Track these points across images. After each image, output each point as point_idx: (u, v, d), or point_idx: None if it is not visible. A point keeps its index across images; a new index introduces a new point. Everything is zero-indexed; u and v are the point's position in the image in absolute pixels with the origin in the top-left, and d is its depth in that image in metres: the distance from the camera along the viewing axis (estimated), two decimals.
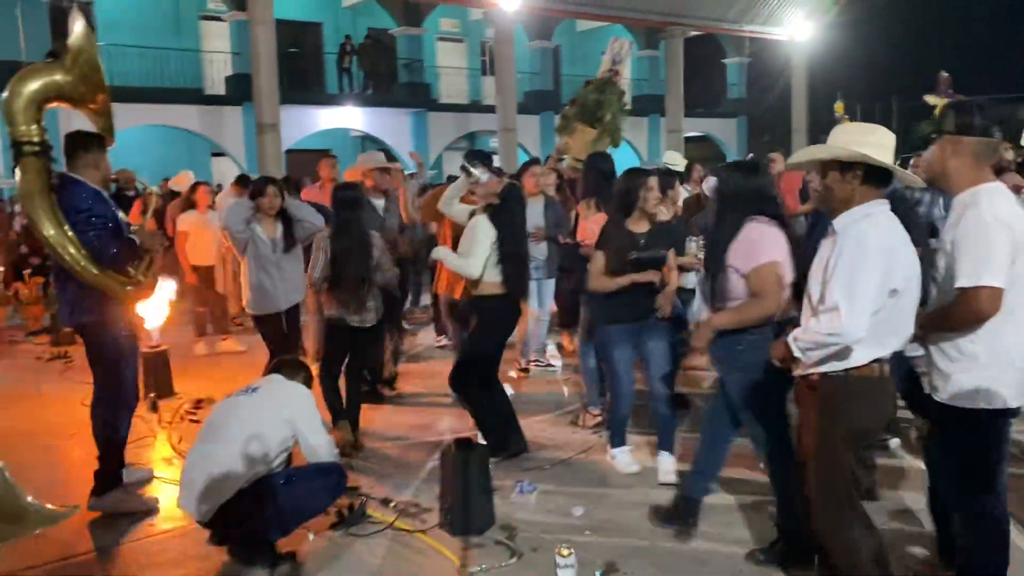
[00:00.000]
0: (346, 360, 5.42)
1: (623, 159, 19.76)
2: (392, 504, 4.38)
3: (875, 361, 2.86)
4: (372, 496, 4.48)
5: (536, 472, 4.85)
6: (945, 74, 14.56)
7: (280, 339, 5.66)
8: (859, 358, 2.85)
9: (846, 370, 2.87)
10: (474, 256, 4.87)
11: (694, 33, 23.30)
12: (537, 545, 3.92)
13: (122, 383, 4.46)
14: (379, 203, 6.62)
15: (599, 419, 5.61)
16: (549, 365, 7.39)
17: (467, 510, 4.06)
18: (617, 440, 4.96)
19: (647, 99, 27.84)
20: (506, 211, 4.93)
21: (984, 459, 3.02)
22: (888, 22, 27.54)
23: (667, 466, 4.71)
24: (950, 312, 2.96)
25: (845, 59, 25.24)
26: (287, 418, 3.73)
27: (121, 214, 4.53)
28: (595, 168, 5.69)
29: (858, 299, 2.73)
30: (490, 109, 21.90)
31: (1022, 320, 2.92)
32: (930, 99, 14.74)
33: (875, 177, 2.90)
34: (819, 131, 24.18)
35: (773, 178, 3.74)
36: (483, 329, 5.12)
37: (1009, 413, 3.01)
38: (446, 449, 4.25)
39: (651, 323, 4.62)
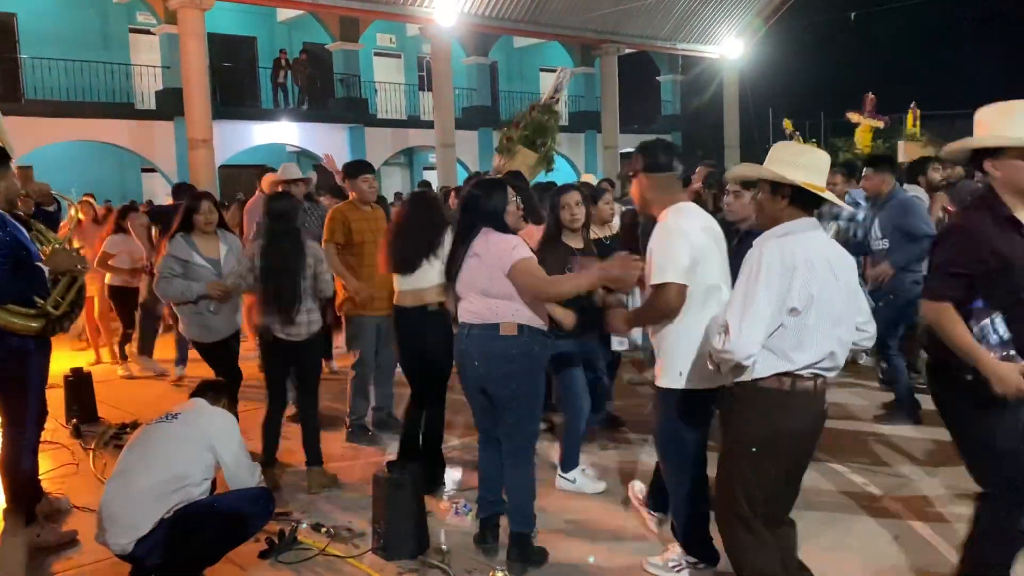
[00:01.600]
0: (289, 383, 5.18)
1: (561, 175, 19.93)
2: (324, 529, 4.29)
3: (784, 375, 2.90)
4: (303, 522, 4.39)
5: (471, 493, 4.79)
6: (871, 95, 15.12)
7: (231, 365, 5.36)
8: (762, 371, 2.91)
9: (753, 380, 2.94)
10: None
11: (628, 51, 23.67)
12: (472, 568, 3.89)
13: (26, 419, 4.20)
14: None
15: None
16: None
17: (401, 534, 4.01)
18: (573, 462, 4.85)
19: (583, 115, 28.16)
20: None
21: (685, 433, 3.54)
22: (815, 41, 28.42)
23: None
24: (648, 306, 3.47)
25: (775, 76, 25.91)
26: (209, 445, 3.63)
27: (38, 231, 4.31)
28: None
29: (748, 319, 2.81)
30: (428, 124, 21.91)
31: (707, 315, 3.35)
32: (852, 116, 15.32)
33: (804, 198, 2.96)
34: (751, 146, 24.77)
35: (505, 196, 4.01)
36: None
37: (705, 393, 3.46)
38: (379, 472, 4.19)
39: (594, 338, 4.71)
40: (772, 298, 2.82)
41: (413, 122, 25.70)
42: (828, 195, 3.01)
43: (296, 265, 4.84)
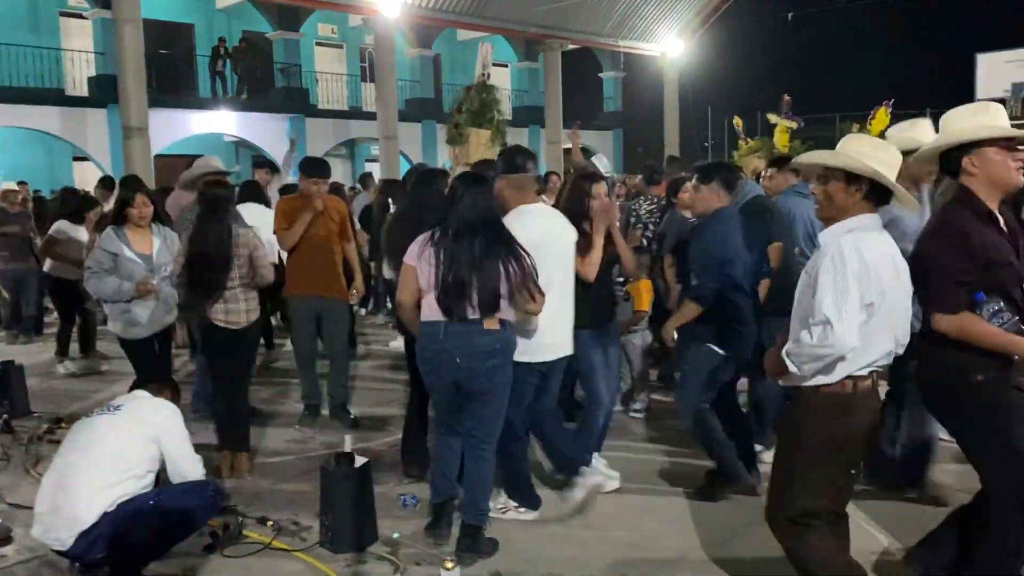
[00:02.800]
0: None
1: None
2: (270, 523, 4.23)
3: (848, 378, 2.86)
4: (248, 515, 4.33)
5: (420, 485, 4.80)
6: (787, 97, 15.54)
7: (152, 366, 5.17)
8: (829, 376, 2.86)
9: (816, 386, 2.88)
10: None
11: (572, 47, 23.77)
12: (421, 559, 3.88)
13: None
14: None
15: None
16: None
17: (348, 526, 3.98)
18: (588, 456, 4.62)
19: (527, 110, 28.24)
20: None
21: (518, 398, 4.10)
22: (753, 41, 28.97)
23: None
24: None
25: (714, 75, 26.32)
26: (152, 436, 3.56)
27: None
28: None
29: (846, 311, 2.75)
30: (370, 116, 21.70)
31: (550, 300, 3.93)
32: (771, 117, 15.77)
33: (876, 193, 2.89)
34: (690, 144, 25.14)
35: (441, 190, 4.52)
36: None
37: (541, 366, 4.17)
38: (326, 464, 4.16)
39: (611, 327, 4.77)
40: (857, 293, 2.77)
41: (355, 113, 25.46)
42: (904, 194, 2.93)
43: (219, 251, 4.77)
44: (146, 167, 14.28)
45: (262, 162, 8.61)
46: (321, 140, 23.80)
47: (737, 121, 16.11)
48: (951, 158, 3.05)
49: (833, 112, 24.95)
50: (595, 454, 4.72)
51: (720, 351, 4.40)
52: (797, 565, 3.06)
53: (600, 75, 31.11)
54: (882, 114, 13.04)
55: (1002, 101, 17.49)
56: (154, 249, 5.18)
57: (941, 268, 2.96)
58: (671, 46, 23.88)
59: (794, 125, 15.55)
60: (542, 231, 4.07)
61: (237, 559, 3.92)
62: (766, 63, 28.45)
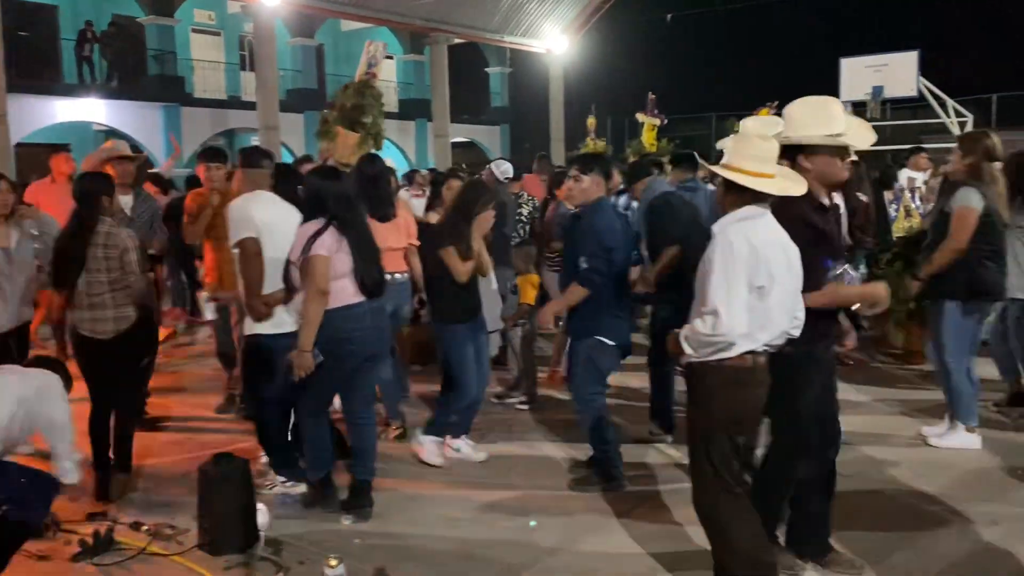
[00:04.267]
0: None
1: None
2: (144, 527, 4.07)
3: (748, 353, 3.04)
4: (120, 520, 4.14)
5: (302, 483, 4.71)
6: (652, 95, 15.96)
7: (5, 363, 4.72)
8: (731, 351, 3.03)
9: (719, 360, 3.04)
10: None
11: (458, 41, 23.74)
12: (304, 557, 3.83)
13: None
14: (125, 199, 5.82)
15: (400, 431, 5.44)
16: None
17: (228, 528, 3.88)
18: (463, 428, 5.12)
19: (414, 103, 28.04)
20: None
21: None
22: (635, 40, 29.74)
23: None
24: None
25: (598, 73, 26.88)
26: (20, 396, 3.47)
27: None
28: (360, 172, 5.28)
29: (734, 299, 2.95)
30: (250, 106, 21.08)
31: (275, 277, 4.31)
32: (639, 116, 16.17)
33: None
34: (576, 140, 25.59)
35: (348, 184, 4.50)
36: None
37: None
38: (204, 465, 4.03)
39: (480, 321, 4.93)
40: (746, 279, 2.96)
41: (234, 103, 24.66)
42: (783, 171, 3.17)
43: (78, 252, 4.38)
44: (5, 156, 13.44)
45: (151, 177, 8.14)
46: (198, 130, 22.94)
47: (591, 121, 16.46)
48: (788, 152, 3.33)
49: (710, 112, 25.97)
50: (463, 436, 5.14)
51: (609, 342, 4.51)
52: (718, 535, 3.21)
53: (487, 70, 31.19)
54: (764, 114, 13.56)
55: (863, 104, 18.59)
56: (12, 242, 4.79)
57: (802, 255, 3.18)
58: (556, 43, 24.18)
59: (658, 122, 15.94)
60: (274, 215, 4.39)
61: (108, 567, 3.75)
62: (647, 62, 29.23)
